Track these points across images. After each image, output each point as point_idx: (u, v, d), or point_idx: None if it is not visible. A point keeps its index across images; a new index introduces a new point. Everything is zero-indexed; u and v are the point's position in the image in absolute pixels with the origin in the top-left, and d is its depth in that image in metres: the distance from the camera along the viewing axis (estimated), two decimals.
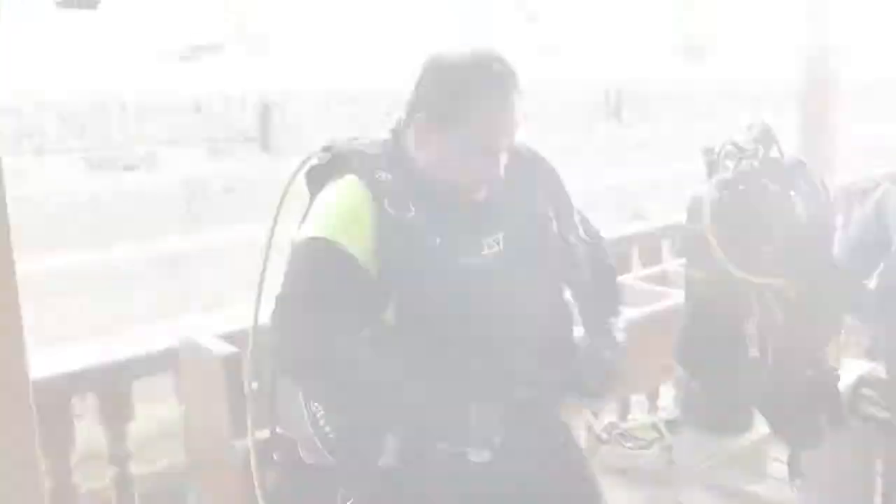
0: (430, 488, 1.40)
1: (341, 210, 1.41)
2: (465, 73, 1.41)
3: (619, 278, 1.73)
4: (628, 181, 9.67)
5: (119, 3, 12.23)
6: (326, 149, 1.47)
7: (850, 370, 2.59)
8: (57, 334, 5.77)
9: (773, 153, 2.16)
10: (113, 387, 1.82)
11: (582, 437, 2.21)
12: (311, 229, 1.40)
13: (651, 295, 2.63)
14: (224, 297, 6.45)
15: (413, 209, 1.38)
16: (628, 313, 2.40)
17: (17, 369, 1.33)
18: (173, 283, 6.35)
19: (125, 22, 11.14)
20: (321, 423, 1.39)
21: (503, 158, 1.43)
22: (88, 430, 1.91)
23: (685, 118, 11.83)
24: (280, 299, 1.35)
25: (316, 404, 1.40)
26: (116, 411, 1.85)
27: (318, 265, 1.37)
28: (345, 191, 1.42)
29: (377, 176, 1.39)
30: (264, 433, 1.51)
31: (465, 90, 1.40)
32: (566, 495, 1.57)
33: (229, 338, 1.67)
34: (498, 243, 1.45)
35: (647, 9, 18.36)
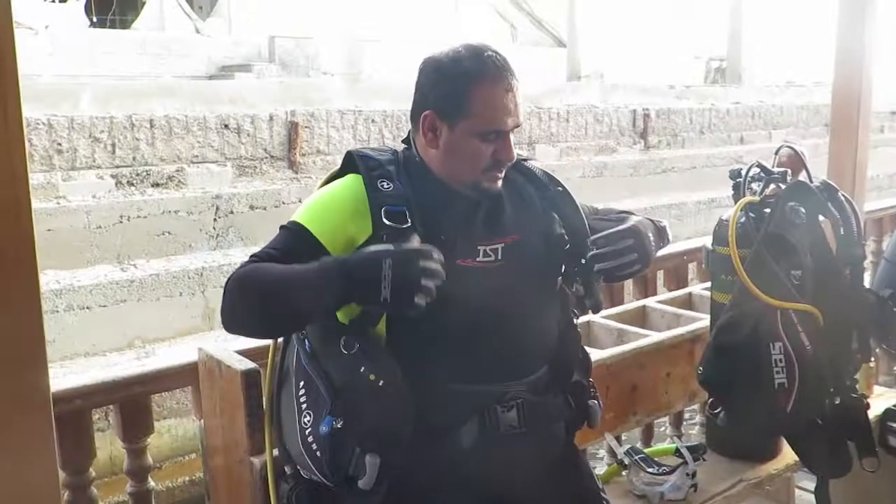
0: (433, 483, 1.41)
1: (325, 201, 1.46)
2: (460, 64, 1.43)
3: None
4: (653, 206, 9.61)
5: (151, 23, 12.44)
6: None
7: (882, 399, 2.55)
8: (83, 349, 5.84)
9: (802, 177, 2.13)
10: (132, 401, 1.82)
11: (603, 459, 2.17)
12: (294, 215, 1.46)
13: (676, 318, 2.60)
14: None
15: (409, 221, 1.39)
16: (654, 336, 2.38)
17: (37, 382, 1.33)
18: (199, 299, 6.39)
19: (163, 42, 11.35)
20: (310, 439, 1.37)
21: (512, 140, 1.46)
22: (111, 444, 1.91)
23: (714, 142, 11.77)
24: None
25: (306, 417, 1.38)
26: (135, 425, 1.85)
27: (282, 240, 1.43)
28: (341, 186, 1.47)
29: (380, 184, 1.42)
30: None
31: (463, 79, 1.42)
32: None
33: (248, 354, 1.66)
34: (496, 253, 1.44)
35: (680, 31, 18.38)
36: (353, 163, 1.49)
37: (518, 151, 1.55)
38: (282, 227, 1.46)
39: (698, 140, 11.60)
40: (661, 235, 1.58)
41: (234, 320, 1.38)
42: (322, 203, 1.47)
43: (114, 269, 6.24)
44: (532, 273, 1.49)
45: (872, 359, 2.62)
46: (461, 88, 1.41)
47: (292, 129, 7.60)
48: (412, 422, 1.36)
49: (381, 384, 1.34)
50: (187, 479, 5.63)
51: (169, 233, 6.58)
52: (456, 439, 1.43)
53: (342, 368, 1.37)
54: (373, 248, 1.33)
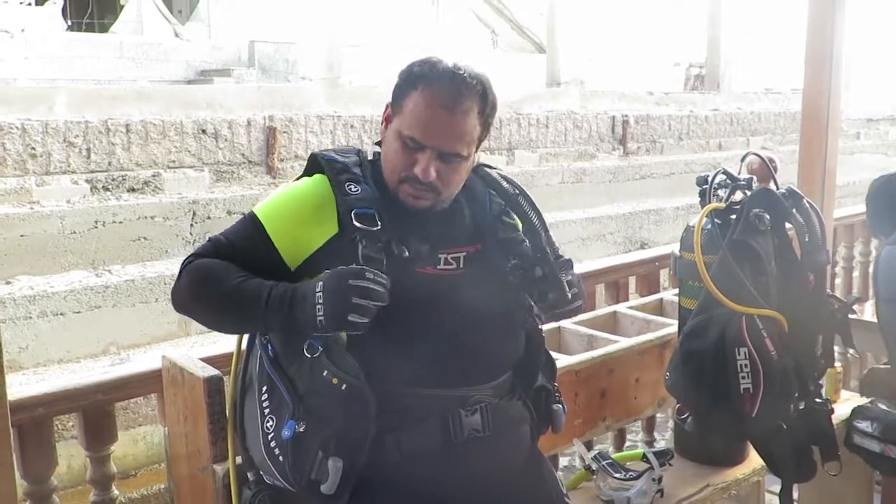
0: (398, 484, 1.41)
1: (288, 199, 1.48)
2: (423, 66, 1.43)
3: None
4: (633, 212, 9.66)
5: (129, 27, 12.36)
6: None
7: (848, 403, 2.57)
8: (57, 356, 5.78)
9: (769, 184, 2.15)
10: (95, 408, 1.81)
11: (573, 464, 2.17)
12: (257, 205, 1.48)
13: (646, 324, 2.61)
14: None
15: (379, 223, 1.40)
16: (624, 342, 2.39)
17: None
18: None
19: (141, 46, 11.28)
20: (272, 444, 1.37)
21: (431, 162, 1.40)
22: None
23: (692, 148, 11.86)
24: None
25: (268, 423, 1.39)
26: (99, 433, 1.83)
27: (238, 233, 1.46)
28: (307, 185, 1.48)
29: (348, 188, 1.42)
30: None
31: (413, 79, 1.42)
32: None
33: (212, 361, 1.65)
34: (458, 262, 1.45)
35: (660, 39, 18.52)
36: (317, 165, 1.49)
37: (485, 161, 1.56)
38: (243, 217, 1.49)
39: (677, 146, 11.68)
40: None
41: (184, 307, 1.45)
42: (285, 201, 1.48)
43: (88, 274, 6.18)
44: (495, 281, 1.49)
45: (839, 364, 2.65)
46: (406, 86, 1.42)
47: (270, 134, 7.58)
48: (375, 426, 1.36)
49: (343, 388, 1.34)
50: (162, 486, 5.58)
51: (145, 238, 6.53)
52: (420, 443, 1.43)
53: (305, 373, 1.38)
54: (315, 278, 1.35)
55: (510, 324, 1.54)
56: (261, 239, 1.43)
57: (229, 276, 1.39)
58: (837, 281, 3.97)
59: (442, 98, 1.39)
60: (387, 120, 1.47)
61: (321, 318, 1.30)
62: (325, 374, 1.35)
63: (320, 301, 1.30)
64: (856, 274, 4.15)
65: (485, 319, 1.48)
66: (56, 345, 5.75)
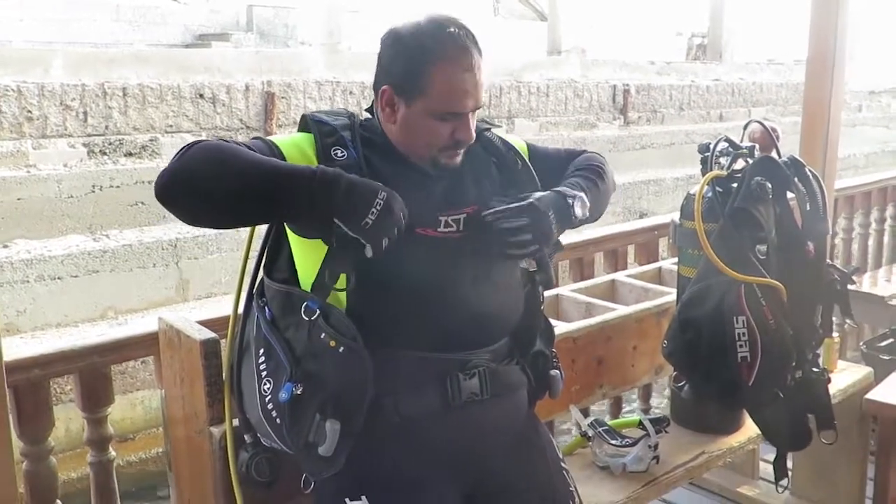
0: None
1: (283, 140, 1.43)
2: (420, 39, 1.40)
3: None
4: (632, 182, 9.63)
5: None
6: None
7: (845, 374, 2.58)
8: (55, 320, 5.79)
9: (771, 153, 2.13)
10: (92, 370, 1.80)
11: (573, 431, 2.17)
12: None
13: (644, 293, 2.61)
14: (224, 285, 6.47)
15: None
16: (621, 310, 2.39)
17: None
18: (172, 270, 6.34)
19: (138, 9, 11.15)
20: (269, 407, 1.37)
21: (473, 119, 1.43)
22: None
23: (693, 118, 11.79)
24: None
25: (266, 385, 1.38)
26: (95, 395, 1.83)
27: (249, 143, 1.38)
28: (294, 137, 1.45)
29: (334, 152, 1.39)
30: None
31: (421, 57, 1.39)
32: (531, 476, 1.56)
33: (209, 324, 1.64)
34: (458, 224, 1.43)
35: (663, 8, 18.32)
36: (307, 127, 1.47)
37: (480, 121, 1.54)
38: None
39: (678, 116, 11.60)
40: (564, 215, 1.45)
41: (186, 188, 1.26)
42: (282, 140, 1.44)
43: (86, 239, 6.17)
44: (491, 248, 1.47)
45: (837, 334, 2.65)
46: (419, 67, 1.39)
47: (269, 99, 7.52)
48: (373, 389, 1.35)
49: (341, 350, 1.34)
50: (160, 450, 5.62)
51: (142, 203, 6.50)
52: (418, 407, 1.43)
53: (302, 335, 1.37)
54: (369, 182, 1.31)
55: (509, 288, 1.53)
56: (269, 150, 1.38)
57: (245, 151, 1.31)
58: (837, 252, 3.97)
59: (461, 65, 1.39)
60: (391, 101, 1.43)
61: (370, 219, 1.26)
62: (322, 336, 1.34)
63: (379, 206, 1.27)
64: (855, 246, 4.14)
65: (484, 284, 1.47)
66: (54, 309, 5.75)
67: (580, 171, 1.60)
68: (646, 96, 11.11)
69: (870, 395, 2.42)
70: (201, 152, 1.27)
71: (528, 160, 1.58)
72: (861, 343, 3.37)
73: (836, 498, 2.64)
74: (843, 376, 2.53)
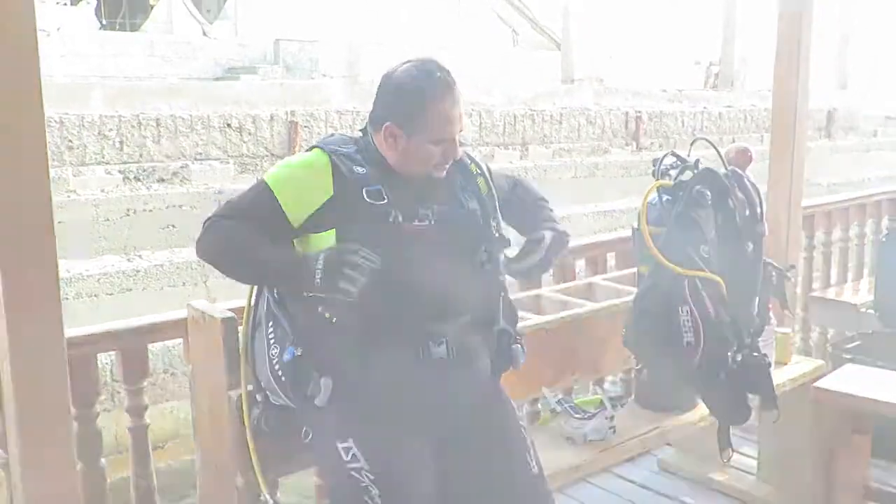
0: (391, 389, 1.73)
1: (295, 168, 1.80)
2: (417, 84, 1.76)
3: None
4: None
5: (160, 26, 12.78)
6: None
7: (799, 366, 2.85)
8: None
9: (746, 171, 2.46)
10: (131, 348, 2.16)
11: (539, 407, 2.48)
12: (269, 172, 1.81)
13: (618, 294, 2.91)
14: None
15: (386, 198, 1.75)
16: (591, 305, 2.69)
17: (54, 330, 1.67)
18: (200, 289, 6.72)
19: (171, 44, 11.69)
20: (276, 367, 1.73)
21: (457, 142, 1.81)
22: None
23: (706, 144, 12.03)
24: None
25: (273, 350, 1.75)
26: (134, 370, 2.18)
27: (251, 200, 1.78)
28: (309, 157, 1.80)
29: (354, 169, 1.76)
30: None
31: (420, 100, 1.75)
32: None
33: (232, 311, 1.99)
34: (430, 217, 1.77)
35: (680, 37, 18.62)
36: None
37: (499, 156, 1.92)
38: (256, 182, 1.81)
39: (690, 142, 11.86)
40: (562, 242, 1.93)
41: (209, 257, 1.78)
42: (291, 168, 1.81)
43: (120, 259, 6.58)
44: (458, 234, 1.81)
45: (790, 329, 2.94)
46: (418, 108, 1.75)
47: (292, 128, 7.94)
48: (359, 352, 1.70)
49: (334, 321, 1.70)
50: (189, 458, 5.94)
51: (173, 226, 6.91)
52: (396, 367, 1.75)
53: (303, 309, 1.73)
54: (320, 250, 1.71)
55: (473, 272, 1.86)
56: (269, 203, 1.75)
57: (247, 241, 1.74)
58: (816, 264, 4.23)
59: (446, 101, 1.75)
60: (393, 134, 1.77)
61: (318, 280, 1.66)
62: (319, 309, 1.71)
63: (319, 268, 1.66)
64: (834, 259, 4.39)
65: (453, 267, 1.80)
66: (90, 325, 6.12)
67: (543, 209, 2.03)
68: (658, 123, 11.42)
69: (818, 384, 2.68)
70: (214, 243, 1.77)
71: (484, 170, 1.93)
72: (827, 344, 3.64)
73: (798, 482, 2.87)
74: (796, 367, 2.81)
